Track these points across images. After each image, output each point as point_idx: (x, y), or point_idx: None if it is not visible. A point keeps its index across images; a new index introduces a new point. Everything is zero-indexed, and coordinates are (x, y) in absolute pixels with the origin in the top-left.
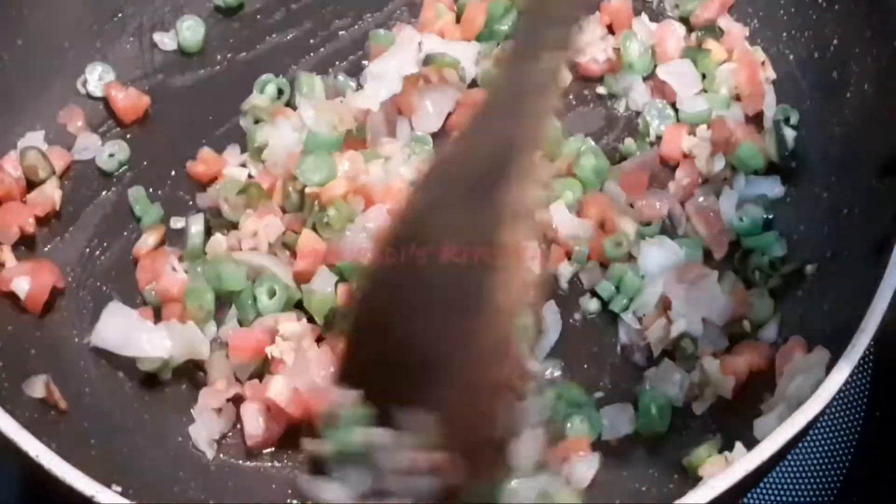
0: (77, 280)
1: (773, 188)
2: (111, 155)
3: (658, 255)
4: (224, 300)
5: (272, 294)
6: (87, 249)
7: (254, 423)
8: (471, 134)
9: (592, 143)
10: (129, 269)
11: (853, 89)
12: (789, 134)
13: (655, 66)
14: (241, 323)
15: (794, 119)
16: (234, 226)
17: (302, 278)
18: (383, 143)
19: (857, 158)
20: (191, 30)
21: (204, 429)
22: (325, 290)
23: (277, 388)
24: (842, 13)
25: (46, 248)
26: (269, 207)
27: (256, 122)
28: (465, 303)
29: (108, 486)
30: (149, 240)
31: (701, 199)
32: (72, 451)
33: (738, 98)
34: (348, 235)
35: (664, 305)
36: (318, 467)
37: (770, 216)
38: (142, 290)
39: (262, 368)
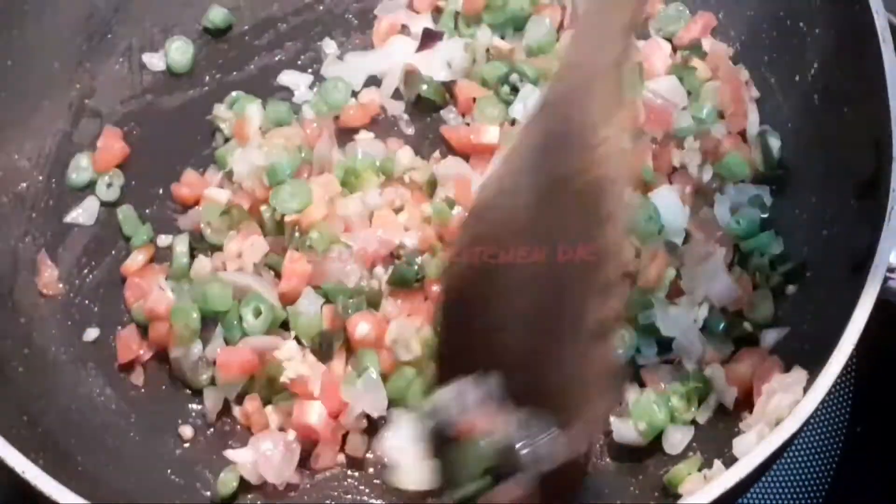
0: (65, 298)
1: (763, 197)
2: (109, 185)
3: None
4: (210, 320)
5: (258, 314)
6: (76, 268)
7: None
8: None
9: None
10: (117, 288)
11: (833, 112)
12: (774, 144)
13: None
14: (227, 342)
15: (774, 143)
16: (217, 247)
17: (287, 299)
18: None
19: (836, 179)
20: (179, 51)
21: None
22: (311, 311)
23: (316, 414)
24: (822, 37)
25: None
26: (252, 228)
27: (226, 140)
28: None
29: (94, 502)
30: (138, 258)
31: (698, 213)
32: (58, 468)
33: (721, 116)
34: (332, 256)
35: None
36: None
37: (766, 215)
38: (129, 307)
39: (247, 388)
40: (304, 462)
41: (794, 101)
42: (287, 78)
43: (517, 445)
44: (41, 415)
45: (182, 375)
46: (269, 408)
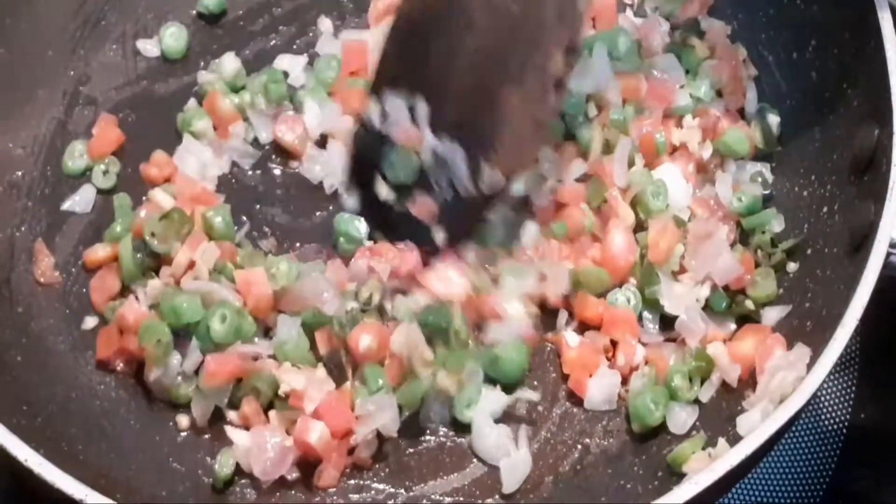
0: (62, 286)
1: (765, 173)
2: (105, 172)
3: None
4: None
5: (223, 320)
6: (72, 256)
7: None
8: None
9: None
10: None
11: (831, 90)
12: (773, 121)
13: None
14: (203, 352)
15: (773, 119)
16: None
17: (259, 314)
18: None
19: (835, 157)
20: (174, 37)
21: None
22: (294, 336)
23: (317, 434)
24: (819, 15)
25: None
26: (197, 235)
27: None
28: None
29: (96, 489)
30: (99, 251)
31: (698, 192)
32: (59, 456)
33: (720, 94)
34: (306, 286)
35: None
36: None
37: (767, 191)
38: (96, 306)
39: (236, 392)
40: (307, 478)
41: (792, 78)
42: (282, 62)
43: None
44: (41, 403)
45: (163, 394)
46: (273, 413)
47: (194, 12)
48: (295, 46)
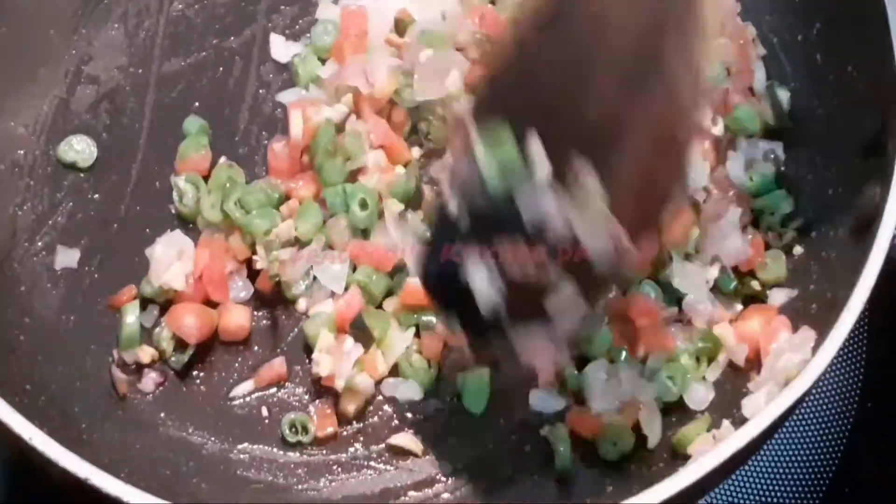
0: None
1: (777, 151)
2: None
3: None
4: None
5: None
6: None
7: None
8: None
9: None
10: (118, 254)
11: (836, 71)
12: (783, 96)
13: None
14: None
15: (783, 95)
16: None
17: None
18: None
19: (840, 139)
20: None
21: None
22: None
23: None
24: None
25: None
26: None
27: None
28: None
29: (100, 468)
30: None
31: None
32: (63, 436)
33: (728, 73)
34: None
35: None
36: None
37: (782, 168)
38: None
39: None
40: None
41: (796, 60)
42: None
43: None
44: (44, 383)
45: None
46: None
47: None
48: (298, 26)
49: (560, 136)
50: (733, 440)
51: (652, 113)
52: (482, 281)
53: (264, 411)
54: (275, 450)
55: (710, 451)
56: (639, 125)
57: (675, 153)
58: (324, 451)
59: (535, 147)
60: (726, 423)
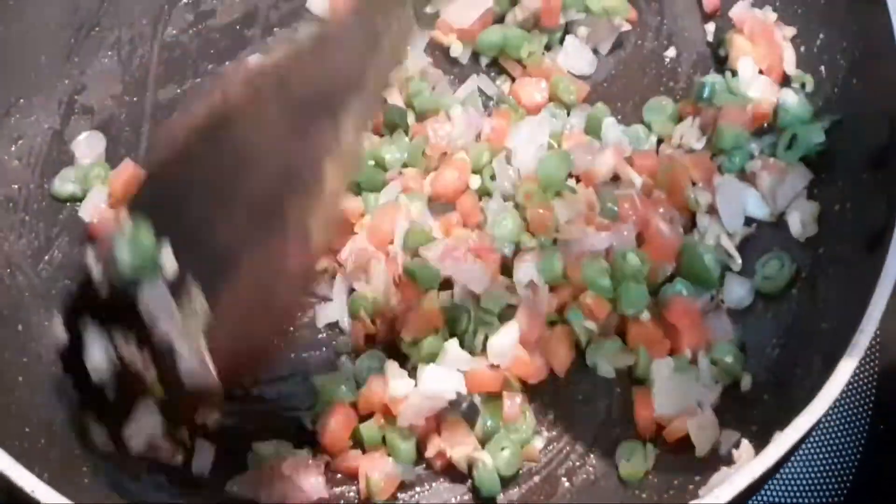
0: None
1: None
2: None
3: None
4: None
5: None
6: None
7: None
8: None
9: None
10: None
11: (840, 84)
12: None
13: None
14: None
15: (809, 86)
16: None
17: None
18: None
19: (846, 152)
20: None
21: None
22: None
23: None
24: (828, 8)
25: None
26: None
27: None
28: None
29: None
30: None
31: None
32: (64, 479)
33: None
34: None
35: None
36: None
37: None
38: None
39: None
40: None
41: (800, 73)
42: None
43: None
44: (43, 425)
45: None
46: None
47: (191, 16)
48: None
49: (191, 247)
50: (749, 469)
51: (268, 252)
52: (96, 352)
53: None
54: None
55: (724, 482)
56: (255, 260)
57: (281, 293)
58: None
59: (167, 252)
60: (745, 442)
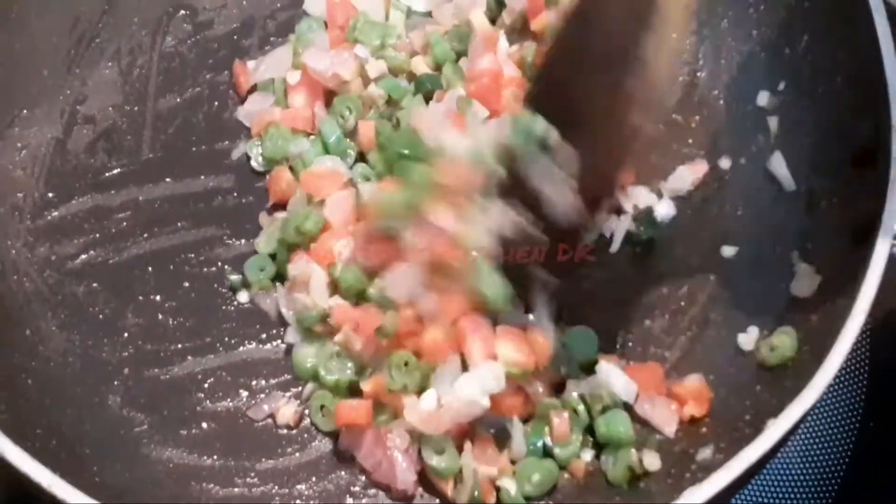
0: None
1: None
2: None
3: None
4: None
5: None
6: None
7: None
8: None
9: None
10: (119, 296)
11: (825, 83)
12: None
13: None
14: None
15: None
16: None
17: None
18: None
19: (831, 150)
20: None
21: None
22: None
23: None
24: (811, 9)
25: None
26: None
27: None
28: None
29: None
30: None
31: None
32: (76, 478)
33: None
34: None
35: None
36: None
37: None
38: None
39: None
40: None
41: (785, 74)
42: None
43: None
44: (53, 426)
45: None
46: None
47: (190, 27)
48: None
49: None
50: (743, 457)
51: (619, 96)
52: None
53: None
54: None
55: (720, 468)
56: (608, 106)
57: (629, 132)
58: None
59: (552, 132)
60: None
